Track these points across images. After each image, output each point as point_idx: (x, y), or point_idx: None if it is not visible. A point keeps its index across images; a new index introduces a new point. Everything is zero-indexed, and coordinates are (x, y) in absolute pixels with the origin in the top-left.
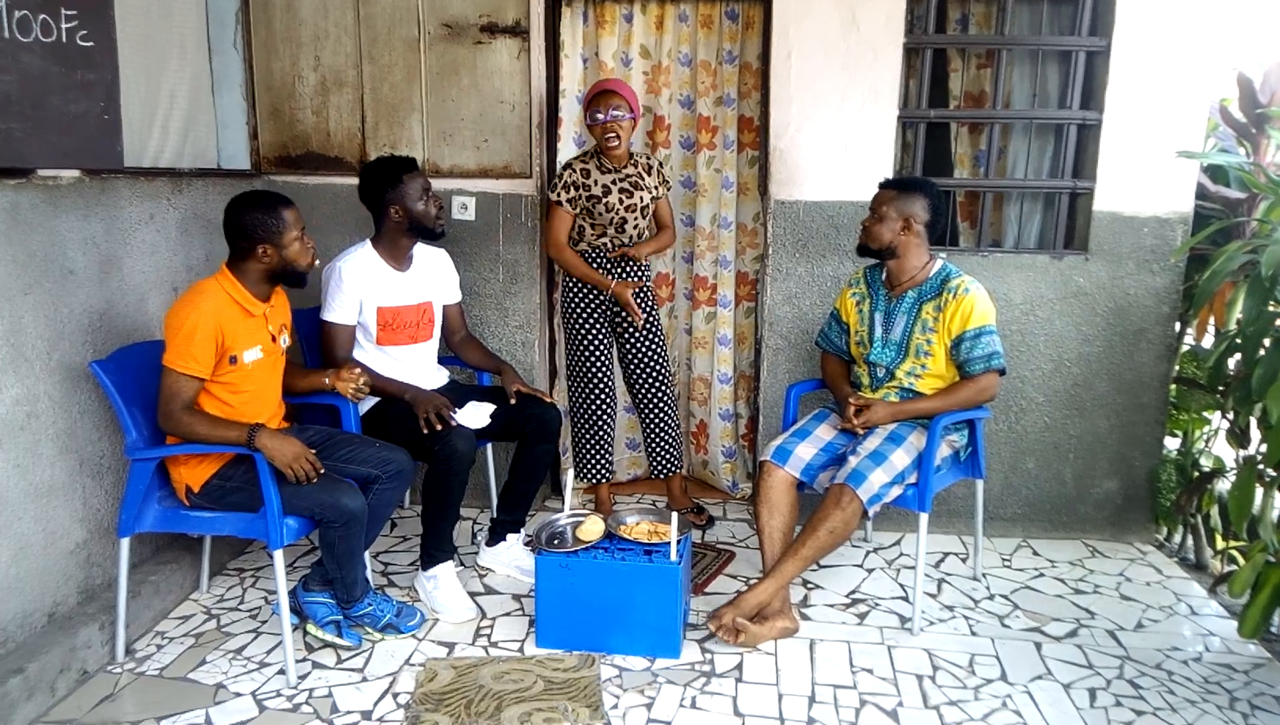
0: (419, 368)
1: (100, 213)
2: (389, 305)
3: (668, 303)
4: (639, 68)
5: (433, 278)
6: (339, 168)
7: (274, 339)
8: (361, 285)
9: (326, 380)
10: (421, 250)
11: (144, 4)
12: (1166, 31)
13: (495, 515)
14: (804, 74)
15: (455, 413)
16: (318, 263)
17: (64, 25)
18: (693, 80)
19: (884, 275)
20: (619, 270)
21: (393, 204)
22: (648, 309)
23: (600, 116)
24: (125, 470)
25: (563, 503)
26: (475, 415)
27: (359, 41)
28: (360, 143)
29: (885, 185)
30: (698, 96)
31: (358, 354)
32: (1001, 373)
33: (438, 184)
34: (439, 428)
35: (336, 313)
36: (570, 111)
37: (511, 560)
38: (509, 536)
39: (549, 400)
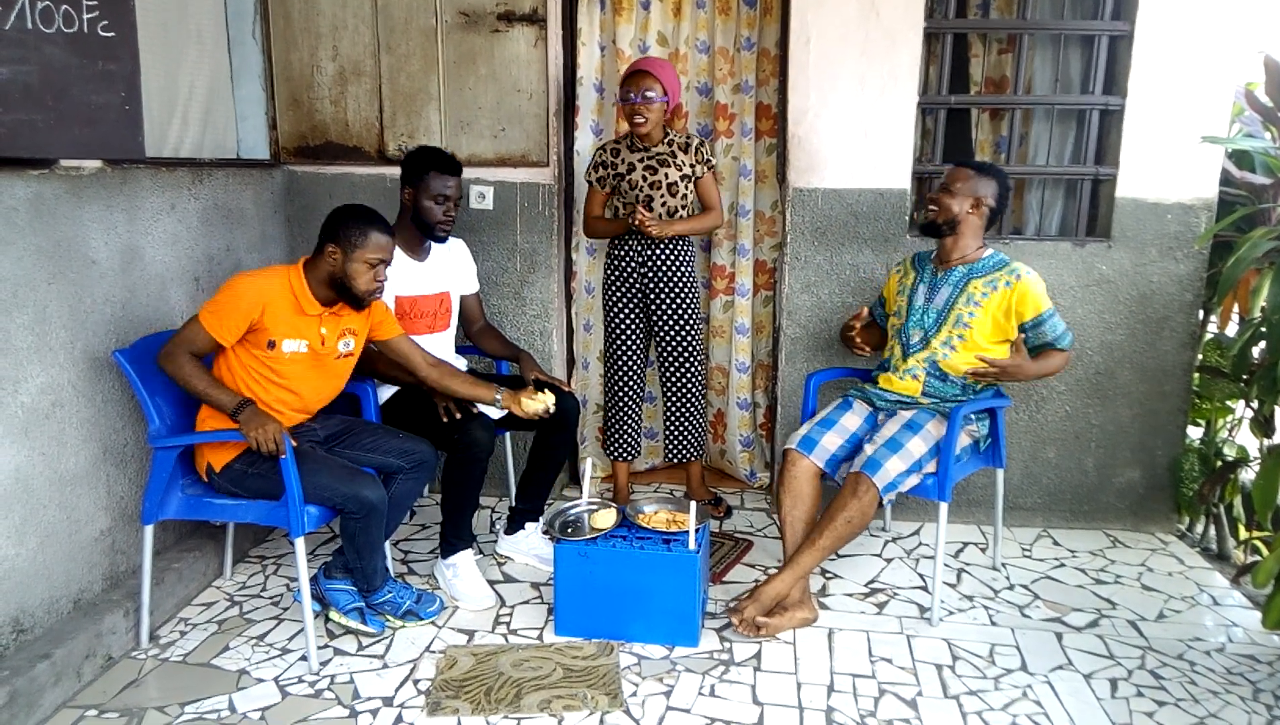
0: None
1: (122, 203)
2: (407, 294)
3: (722, 295)
4: (656, 55)
5: (451, 268)
6: (357, 158)
7: (324, 342)
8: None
9: (498, 397)
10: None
11: None
12: (1191, 15)
13: (514, 504)
14: (822, 60)
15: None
16: (378, 294)
17: (85, 16)
18: (710, 67)
19: (934, 254)
20: (650, 249)
21: (408, 188)
22: (681, 291)
23: (632, 96)
24: (148, 458)
25: (581, 492)
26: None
27: (376, 31)
28: (378, 133)
29: (964, 164)
30: (715, 84)
31: None
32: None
33: None
34: (458, 416)
35: None
36: (587, 100)
37: (530, 548)
38: (528, 525)
39: (567, 388)
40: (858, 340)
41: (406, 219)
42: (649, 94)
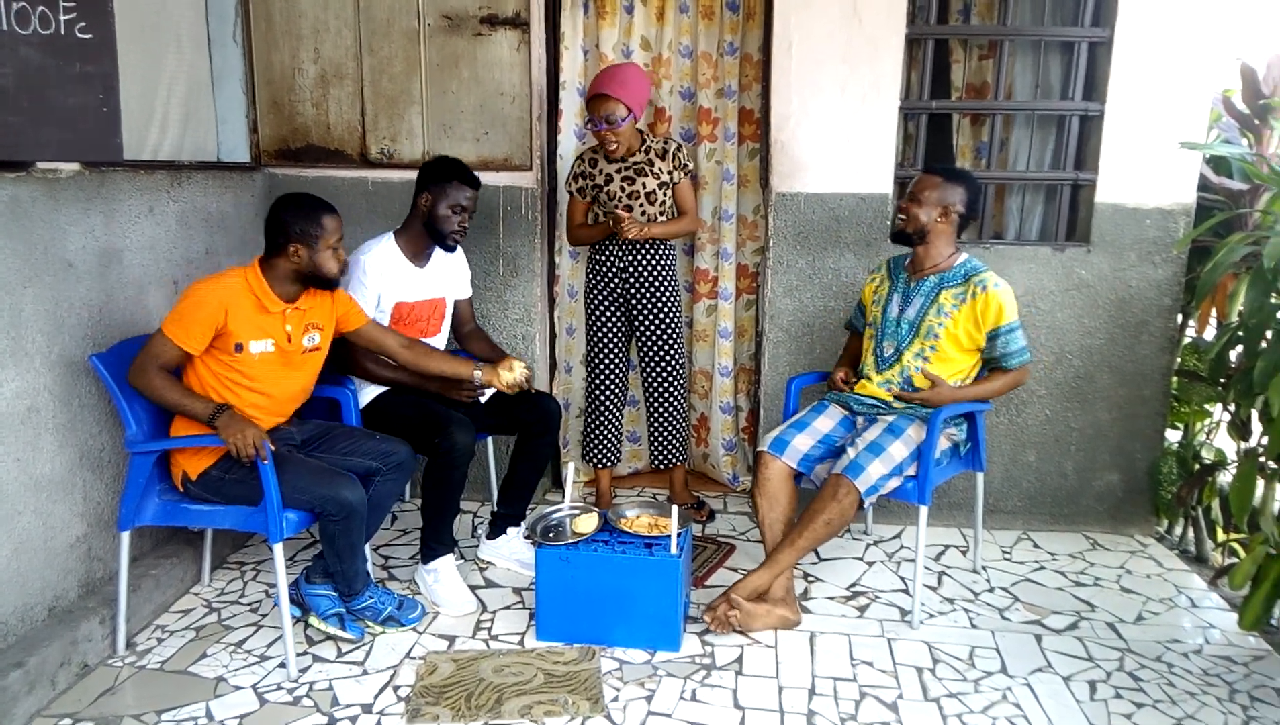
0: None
1: (99, 206)
2: (406, 300)
3: (705, 299)
4: (640, 59)
5: (448, 274)
6: (339, 161)
7: (290, 339)
8: (382, 279)
9: (478, 373)
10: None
11: None
12: (1169, 22)
13: (496, 508)
14: (805, 66)
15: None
16: (346, 269)
17: (63, 17)
18: (693, 72)
19: (908, 261)
20: (631, 254)
21: (425, 193)
22: (662, 295)
23: (597, 123)
24: (125, 464)
25: (563, 496)
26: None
27: (359, 34)
28: (360, 135)
29: (931, 171)
30: (698, 88)
31: None
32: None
33: None
34: (477, 398)
35: (361, 304)
36: (570, 104)
37: (512, 553)
38: (509, 529)
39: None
40: (845, 387)
41: (418, 225)
42: (612, 117)
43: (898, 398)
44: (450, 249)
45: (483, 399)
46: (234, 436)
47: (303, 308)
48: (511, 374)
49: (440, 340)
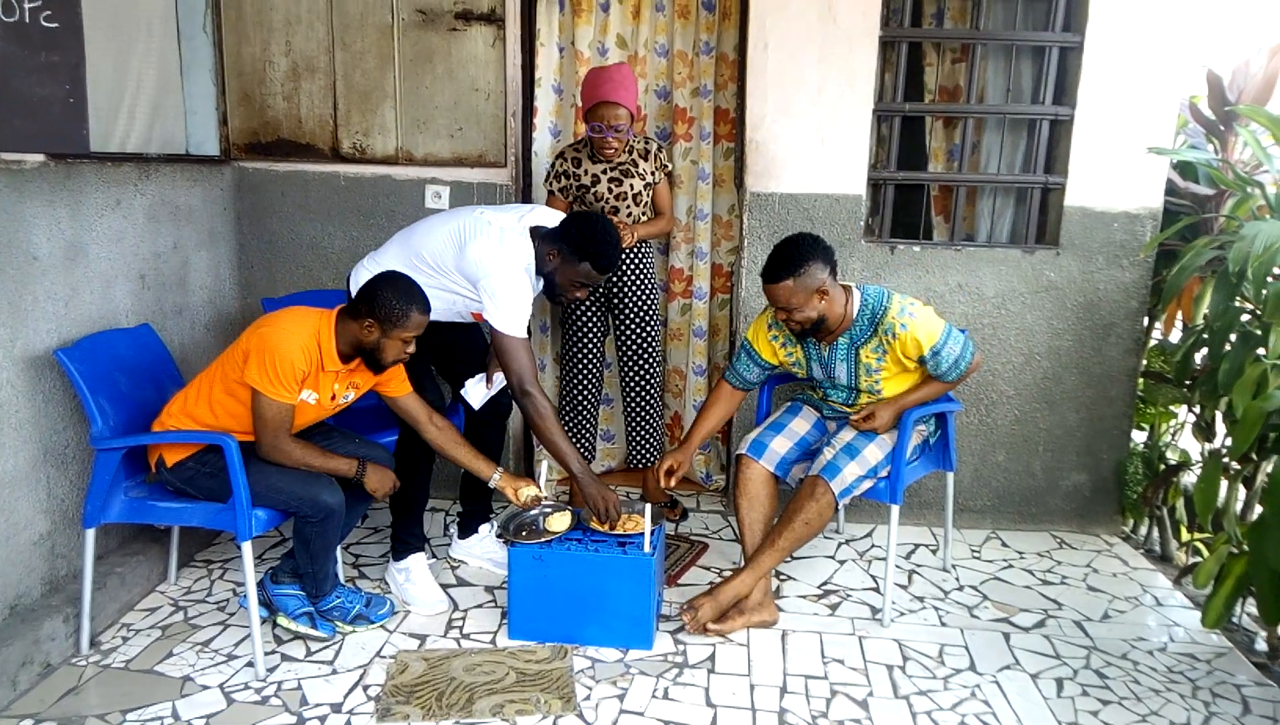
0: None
1: (65, 198)
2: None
3: (679, 298)
4: (615, 58)
5: None
6: (310, 155)
7: (334, 397)
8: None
9: (496, 476)
10: None
11: None
12: (1138, 29)
13: (460, 506)
14: (780, 66)
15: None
16: (403, 361)
17: (27, 5)
18: (669, 71)
19: None
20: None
21: (554, 248)
22: (643, 293)
23: (602, 129)
24: (90, 460)
25: None
26: (479, 390)
27: (331, 27)
28: (333, 130)
29: (776, 278)
30: (674, 88)
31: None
32: (973, 354)
33: (411, 172)
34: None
35: (522, 324)
36: (546, 101)
37: (484, 553)
38: (481, 528)
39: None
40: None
41: (539, 264)
42: (619, 125)
43: (851, 425)
44: (557, 302)
45: (477, 403)
46: (379, 487)
47: (354, 370)
48: (528, 491)
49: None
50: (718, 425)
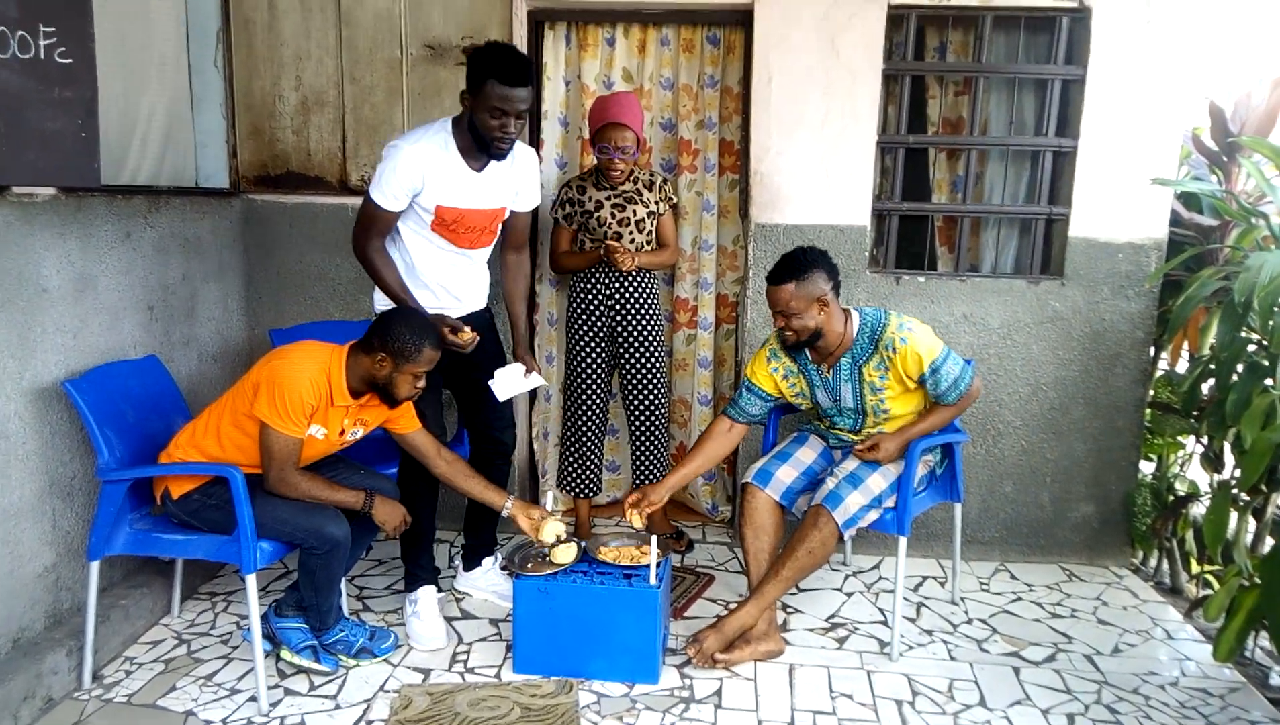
0: (463, 273)
1: (76, 230)
2: (452, 206)
3: (684, 328)
4: (621, 90)
5: (514, 182)
6: (319, 187)
7: (343, 433)
8: (422, 175)
9: (508, 506)
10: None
11: (124, 22)
12: (1141, 61)
13: (464, 539)
14: (784, 99)
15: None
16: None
17: (42, 42)
18: (674, 104)
19: (808, 352)
20: (618, 282)
21: (468, 97)
22: (647, 324)
23: (609, 150)
24: (96, 492)
25: None
26: (509, 383)
27: (340, 62)
28: (340, 163)
29: (779, 280)
30: (679, 120)
31: (405, 234)
32: (973, 378)
33: None
34: (466, 343)
35: (385, 197)
36: (552, 133)
37: (489, 585)
38: (485, 560)
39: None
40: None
41: (464, 124)
42: (627, 148)
43: (855, 454)
44: (499, 157)
45: (503, 396)
46: (388, 520)
47: (366, 405)
48: (545, 530)
49: (486, 252)
50: (707, 464)
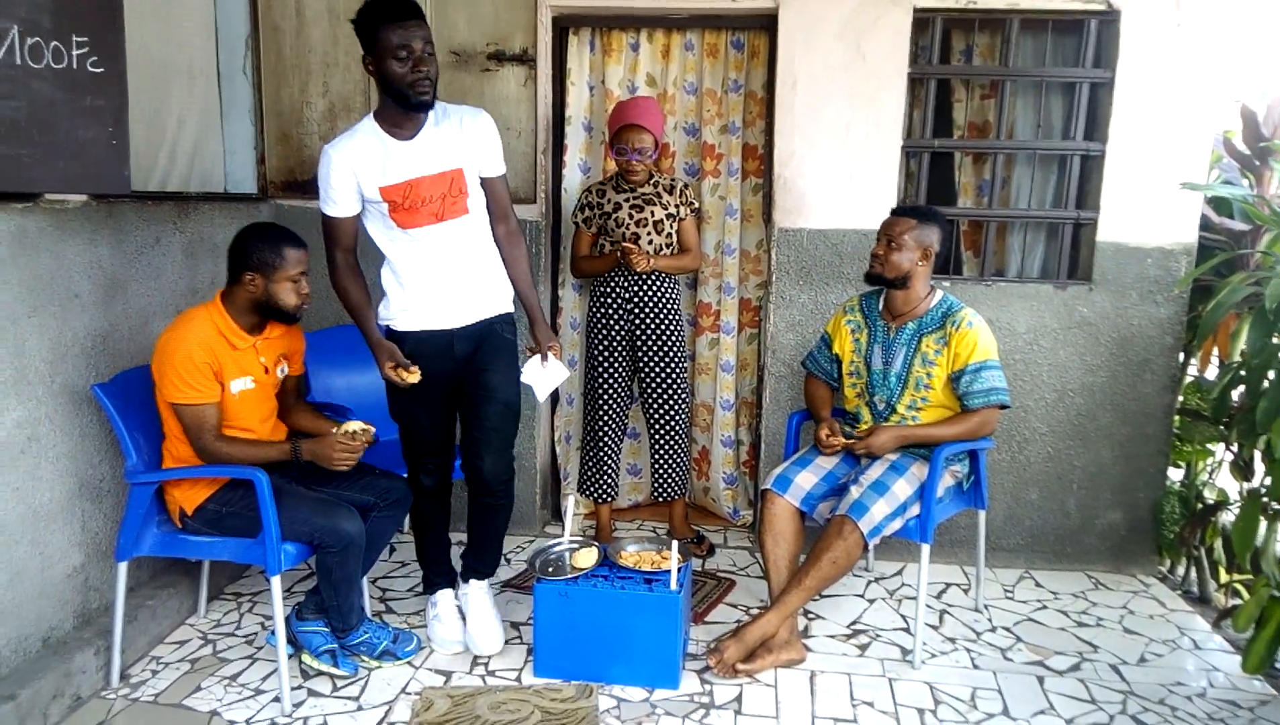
0: (456, 252)
1: (106, 236)
2: (393, 182)
3: (707, 333)
4: (644, 95)
5: (459, 142)
6: None
7: (267, 371)
8: (352, 166)
9: (335, 430)
10: (447, 110)
11: (154, 31)
12: (1170, 64)
13: (464, 560)
14: (809, 103)
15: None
16: (307, 302)
17: (75, 52)
18: (698, 108)
19: (882, 305)
20: (637, 286)
21: (367, 58)
22: (667, 329)
23: (627, 152)
24: (125, 494)
25: (563, 529)
26: (535, 377)
27: (367, 69)
28: None
29: (904, 213)
30: (703, 124)
31: (383, 246)
32: (1003, 407)
33: None
34: (405, 381)
35: (331, 205)
36: (576, 138)
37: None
38: (472, 581)
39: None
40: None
41: (383, 101)
42: (642, 148)
43: (853, 449)
44: (423, 105)
45: (541, 393)
46: (324, 458)
47: (270, 337)
48: (350, 425)
49: (470, 224)
50: (826, 401)
